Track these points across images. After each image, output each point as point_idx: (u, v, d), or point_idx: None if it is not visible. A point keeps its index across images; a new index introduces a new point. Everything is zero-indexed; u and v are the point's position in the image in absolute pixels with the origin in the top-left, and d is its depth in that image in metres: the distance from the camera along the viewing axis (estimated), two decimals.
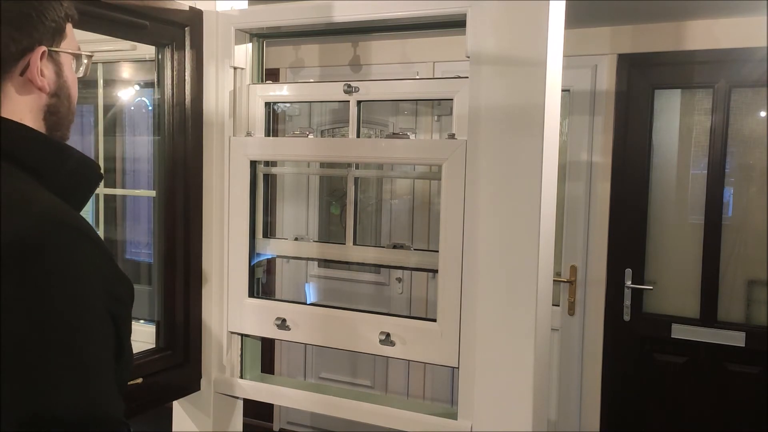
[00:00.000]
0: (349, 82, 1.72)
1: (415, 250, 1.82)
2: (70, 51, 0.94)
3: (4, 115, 0.86)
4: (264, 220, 1.89)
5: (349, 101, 1.76)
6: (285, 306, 1.83)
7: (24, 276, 0.75)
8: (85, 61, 0.98)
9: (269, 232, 1.93)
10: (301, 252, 1.93)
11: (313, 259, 2.05)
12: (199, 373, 1.87)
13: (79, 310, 0.78)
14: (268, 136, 1.88)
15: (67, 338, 0.77)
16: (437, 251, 1.63)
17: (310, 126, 3.38)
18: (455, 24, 1.62)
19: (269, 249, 1.90)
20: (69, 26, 0.95)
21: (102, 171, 0.97)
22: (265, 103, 1.85)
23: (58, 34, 0.91)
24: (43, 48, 0.88)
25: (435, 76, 3.18)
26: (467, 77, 1.56)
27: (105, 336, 0.82)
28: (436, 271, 1.64)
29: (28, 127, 0.88)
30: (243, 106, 1.85)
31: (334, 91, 1.76)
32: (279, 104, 1.88)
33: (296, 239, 1.94)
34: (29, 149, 0.87)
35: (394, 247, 1.79)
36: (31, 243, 0.76)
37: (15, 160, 0.84)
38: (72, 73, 0.96)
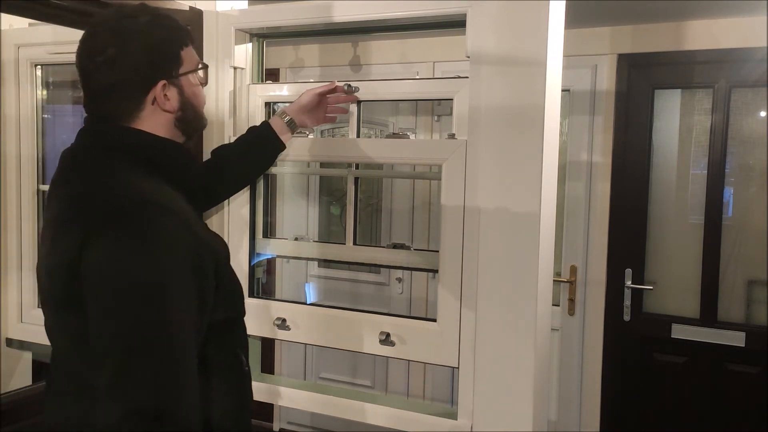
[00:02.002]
0: (349, 82, 1.72)
1: (415, 250, 1.82)
2: (186, 71, 1.20)
3: (146, 129, 1.17)
4: (264, 220, 1.89)
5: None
6: (285, 306, 1.83)
7: (123, 235, 1.03)
8: (202, 72, 1.25)
9: (269, 232, 1.93)
10: (301, 252, 1.93)
11: (313, 259, 2.05)
12: None
13: (163, 263, 1.04)
14: None
15: (153, 280, 1.02)
16: (437, 251, 1.63)
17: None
18: (455, 24, 1.62)
19: (269, 249, 1.90)
20: (185, 52, 1.20)
21: (197, 159, 1.33)
22: (265, 103, 1.85)
23: (175, 65, 1.18)
24: (163, 81, 1.16)
25: (435, 76, 3.18)
26: (467, 77, 1.56)
27: (185, 288, 1.07)
28: (436, 271, 1.64)
29: (148, 132, 1.17)
30: (243, 106, 1.85)
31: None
32: (279, 104, 1.88)
33: (296, 239, 1.94)
34: (147, 149, 1.16)
35: (394, 247, 1.78)
36: (129, 212, 1.05)
37: (134, 156, 1.15)
38: (193, 87, 1.22)
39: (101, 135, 1.17)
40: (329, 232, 3.62)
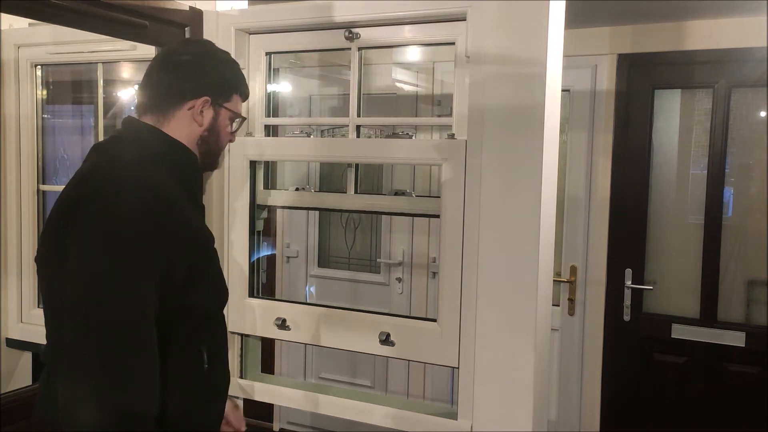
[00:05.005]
0: (350, 29, 1.70)
1: (417, 196, 1.78)
2: (228, 108, 1.36)
3: (170, 129, 1.30)
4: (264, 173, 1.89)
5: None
6: (285, 306, 1.84)
7: (104, 205, 1.11)
8: (237, 123, 1.39)
9: (269, 232, 1.92)
10: (302, 202, 1.91)
11: (313, 209, 2.02)
12: None
13: (132, 234, 1.10)
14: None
15: (120, 249, 1.09)
16: (438, 197, 1.62)
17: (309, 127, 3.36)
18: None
19: (270, 200, 1.89)
20: (237, 97, 1.38)
21: (199, 165, 1.35)
22: (266, 53, 1.85)
23: (223, 96, 1.34)
24: (207, 97, 1.31)
25: (435, 76, 3.18)
26: (465, 20, 1.54)
27: (151, 256, 1.12)
28: (437, 216, 1.62)
29: (170, 136, 1.29)
30: (243, 106, 1.85)
31: (336, 39, 1.74)
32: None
33: (297, 189, 1.91)
34: (162, 146, 1.28)
35: (395, 194, 1.76)
36: (116, 185, 1.14)
37: (149, 151, 1.26)
38: (224, 125, 1.36)
39: (127, 129, 1.32)
40: (330, 235, 3.62)
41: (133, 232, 1.11)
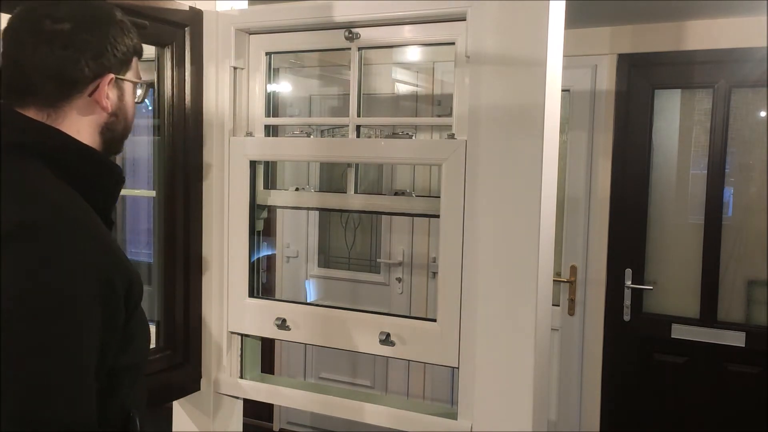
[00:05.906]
0: (350, 29, 1.70)
1: (417, 196, 1.77)
2: (133, 80, 1.09)
3: (67, 126, 1.01)
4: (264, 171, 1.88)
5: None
6: (285, 306, 1.83)
7: (19, 253, 0.87)
8: (142, 90, 1.14)
9: (270, 231, 1.92)
10: (302, 202, 1.91)
11: (313, 209, 2.02)
12: (199, 373, 1.87)
13: (67, 285, 0.88)
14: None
15: (51, 311, 0.87)
16: (438, 197, 1.62)
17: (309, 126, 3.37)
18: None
19: (270, 200, 1.89)
20: (135, 60, 1.10)
21: (123, 176, 1.10)
22: (266, 53, 1.84)
23: (125, 65, 1.06)
24: (111, 75, 1.03)
25: (435, 76, 3.18)
26: (465, 20, 1.54)
27: (90, 315, 0.91)
28: (437, 216, 1.62)
29: (72, 136, 1.01)
30: (243, 106, 1.85)
31: (336, 39, 1.74)
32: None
33: (297, 189, 1.91)
34: (67, 154, 1.01)
35: (396, 194, 1.76)
36: (29, 224, 0.89)
37: (46, 159, 0.98)
38: (131, 99, 1.10)
39: (9, 128, 0.99)
40: (329, 239, 3.62)
41: (82, 281, 0.90)
